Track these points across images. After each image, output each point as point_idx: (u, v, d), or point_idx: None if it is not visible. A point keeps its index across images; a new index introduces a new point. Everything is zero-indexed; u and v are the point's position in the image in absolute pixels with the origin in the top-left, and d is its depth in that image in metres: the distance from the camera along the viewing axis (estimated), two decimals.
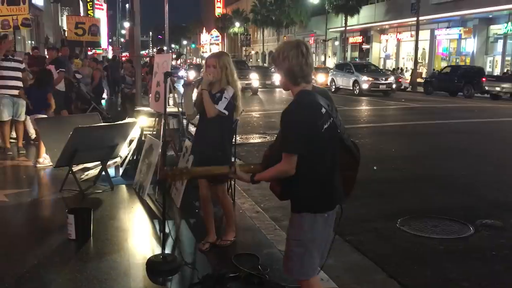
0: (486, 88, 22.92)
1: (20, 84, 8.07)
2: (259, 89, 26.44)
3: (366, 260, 4.32)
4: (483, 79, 23.42)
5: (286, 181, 2.57)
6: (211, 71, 3.95)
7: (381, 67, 35.02)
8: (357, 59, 43.37)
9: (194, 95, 4.15)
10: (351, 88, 25.53)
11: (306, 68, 2.55)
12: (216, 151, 3.97)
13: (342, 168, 2.70)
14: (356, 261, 4.31)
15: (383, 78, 25.05)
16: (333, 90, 27.22)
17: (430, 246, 4.66)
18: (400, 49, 40.43)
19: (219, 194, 4.29)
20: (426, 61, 36.95)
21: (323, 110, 2.51)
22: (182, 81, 25.20)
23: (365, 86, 24.45)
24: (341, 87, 27.12)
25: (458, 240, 4.80)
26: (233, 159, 5.19)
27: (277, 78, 25.61)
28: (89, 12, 39.82)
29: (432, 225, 5.18)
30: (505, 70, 28.83)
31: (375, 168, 7.67)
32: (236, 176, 2.75)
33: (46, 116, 7.61)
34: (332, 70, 29.99)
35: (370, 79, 24.66)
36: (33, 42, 25.52)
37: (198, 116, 4.16)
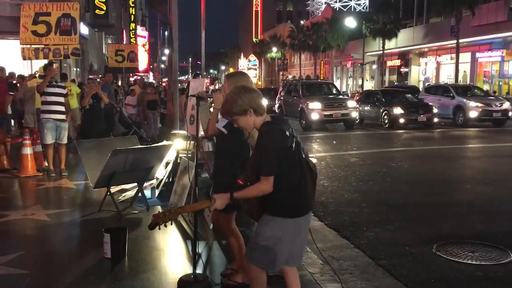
0: None
1: (62, 109, 8.44)
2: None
3: (399, 285, 4.23)
4: None
5: (263, 199, 2.96)
6: (225, 91, 3.81)
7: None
8: (396, 83, 42.92)
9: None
10: (451, 116, 19.89)
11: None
12: (224, 179, 3.73)
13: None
14: (389, 285, 4.23)
15: (497, 104, 19.53)
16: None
17: (467, 272, 4.53)
18: (440, 72, 39.79)
19: (221, 225, 3.95)
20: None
21: (287, 133, 2.96)
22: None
23: (473, 114, 18.99)
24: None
25: (497, 267, 4.64)
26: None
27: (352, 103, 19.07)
28: (131, 40, 41.27)
29: (469, 250, 5.02)
30: None
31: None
32: (217, 204, 3.00)
33: None
34: (422, 92, 23.36)
35: (481, 105, 19.15)
36: (78, 69, 26.64)
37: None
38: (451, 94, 20.30)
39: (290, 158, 2.95)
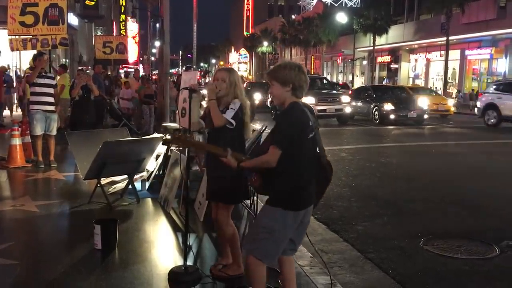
0: None
1: (52, 100, 8.38)
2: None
3: (387, 278, 4.29)
4: None
5: (267, 177, 2.97)
6: (219, 84, 3.74)
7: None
8: (385, 79, 43.10)
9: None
10: None
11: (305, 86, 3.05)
12: (227, 171, 3.39)
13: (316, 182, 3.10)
14: (378, 278, 4.29)
15: None
16: (492, 121, 17.94)
17: (454, 266, 4.60)
18: (430, 69, 40.05)
19: (219, 218, 3.89)
20: (456, 81, 36.46)
21: (310, 123, 3.00)
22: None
23: None
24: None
25: (483, 261, 4.72)
26: None
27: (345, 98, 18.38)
28: (121, 31, 40.87)
29: (456, 245, 5.09)
30: None
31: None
32: (226, 159, 3.12)
33: None
34: (491, 90, 19.10)
35: None
36: (67, 60, 26.39)
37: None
38: None
39: (302, 146, 2.92)
